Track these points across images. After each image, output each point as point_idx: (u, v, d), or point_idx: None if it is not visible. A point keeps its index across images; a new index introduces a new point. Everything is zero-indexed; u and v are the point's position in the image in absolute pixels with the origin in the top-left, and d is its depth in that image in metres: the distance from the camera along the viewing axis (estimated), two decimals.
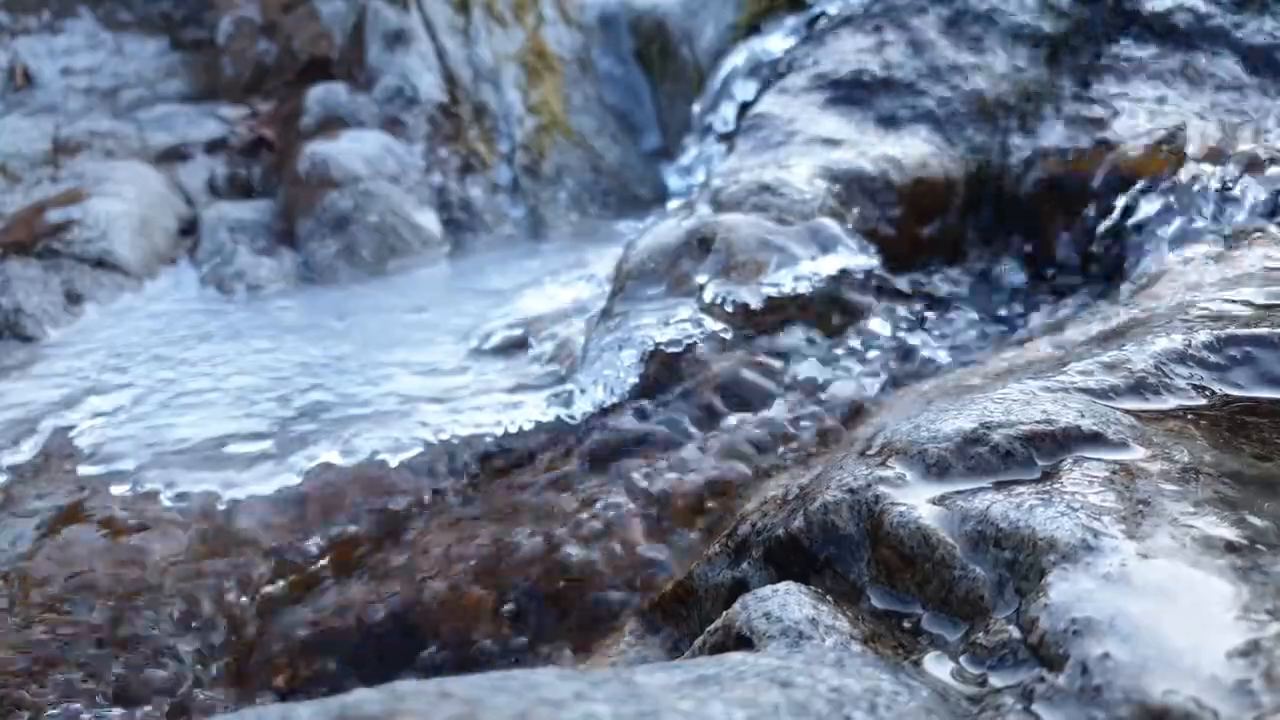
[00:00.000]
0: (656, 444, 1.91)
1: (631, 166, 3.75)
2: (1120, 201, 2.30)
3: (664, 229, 2.38)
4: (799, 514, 1.22)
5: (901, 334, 2.17)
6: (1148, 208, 2.25)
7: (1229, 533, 0.98)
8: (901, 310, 2.24)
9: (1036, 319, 2.22)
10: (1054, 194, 2.44)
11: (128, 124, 3.77)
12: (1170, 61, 2.59)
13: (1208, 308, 1.59)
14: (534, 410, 2.08)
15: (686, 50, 3.68)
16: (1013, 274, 2.41)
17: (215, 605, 1.66)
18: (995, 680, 0.91)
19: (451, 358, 2.45)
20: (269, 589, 1.70)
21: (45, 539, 1.79)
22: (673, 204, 3.18)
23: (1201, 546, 0.95)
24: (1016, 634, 0.93)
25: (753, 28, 3.44)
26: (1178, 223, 2.20)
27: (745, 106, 3.20)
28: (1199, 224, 2.17)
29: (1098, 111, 2.55)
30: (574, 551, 1.65)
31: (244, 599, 1.68)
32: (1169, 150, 2.33)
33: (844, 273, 2.24)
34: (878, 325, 2.18)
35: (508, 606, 1.59)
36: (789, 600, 1.04)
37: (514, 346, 2.45)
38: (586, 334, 2.27)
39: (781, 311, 2.15)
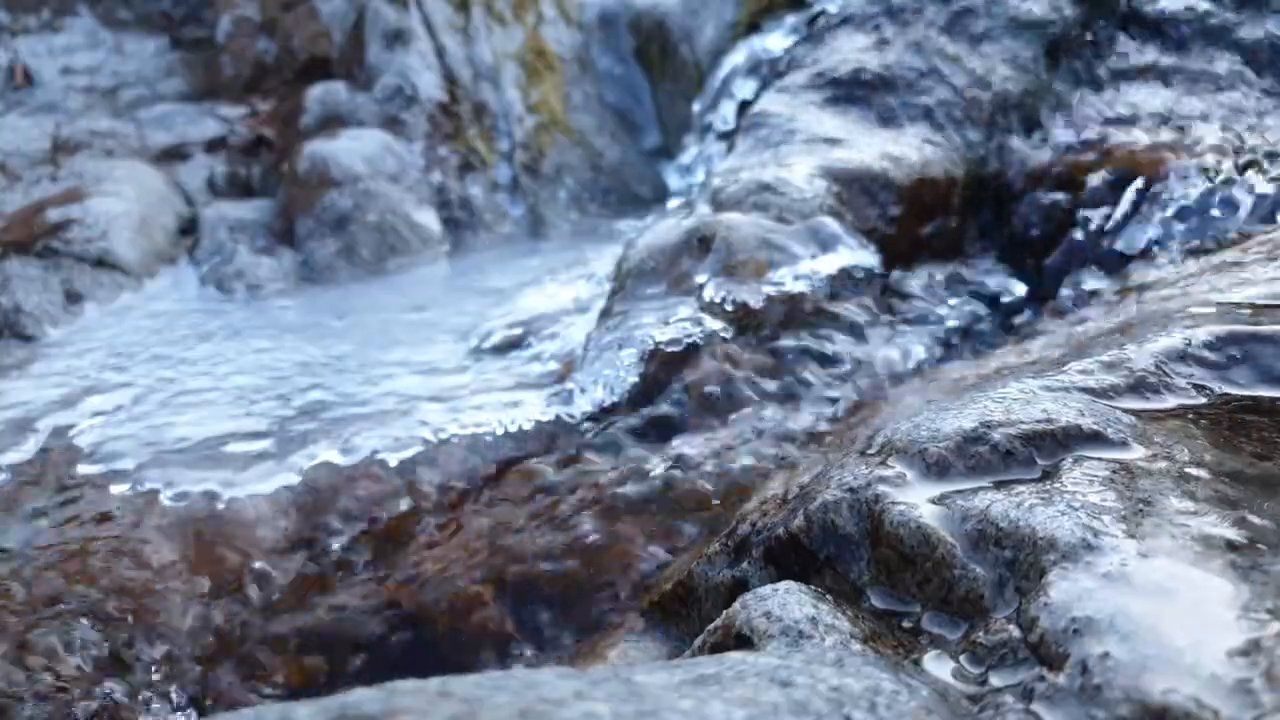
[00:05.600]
0: (656, 442, 1.91)
1: (631, 165, 3.75)
2: (1121, 200, 2.30)
3: (664, 228, 2.38)
4: (799, 513, 1.22)
5: (901, 333, 2.17)
6: (1148, 207, 2.25)
7: (1229, 532, 0.98)
8: (901, 309, 2.24)
9: (1038, 318, 2.22)
10: (1055, 193, 2.44)
11: (127, 123, 3.76)
12: (1171, 61, 2.59)
13: (1208, 306, 1.59)
14: (534, 409, 2.07)
15: (686, 49, 3.67)
16: (1013, 273, 2.41)
17: (214, 604, 1.66)
18: (995, 679, 0.91)
19: (451, 357, 2.45)
20: (267, 588, 1.70)
21: (44, 538, 1.79)
22: (673, 203, 3.18)
23: (1202, 545, 0.95)
24: (1016, 633, 0.93)
25: (753, 26, 3.44)
26: (1178, 222, 2.20)
27: (745, 105, 3.20)
28: (1199, 223, 2.17)
29: (1098, 111, 2.54)
30: (574, 550, 1.65)
31: (243, 598, 1.68)
32: (1170, 150, 2.33)
33: (844, 271, 2.24)
34: (877, 324, 2.18)
35: (507, 605, 1.59)
36: (789, 599, 1.04)
37: (514, 345, 2.45)
38: (586, 333, 2.26)
39: (781, 310, 2.15)
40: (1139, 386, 1.35)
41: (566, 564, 1.64)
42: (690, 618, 1.37)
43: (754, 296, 2.14)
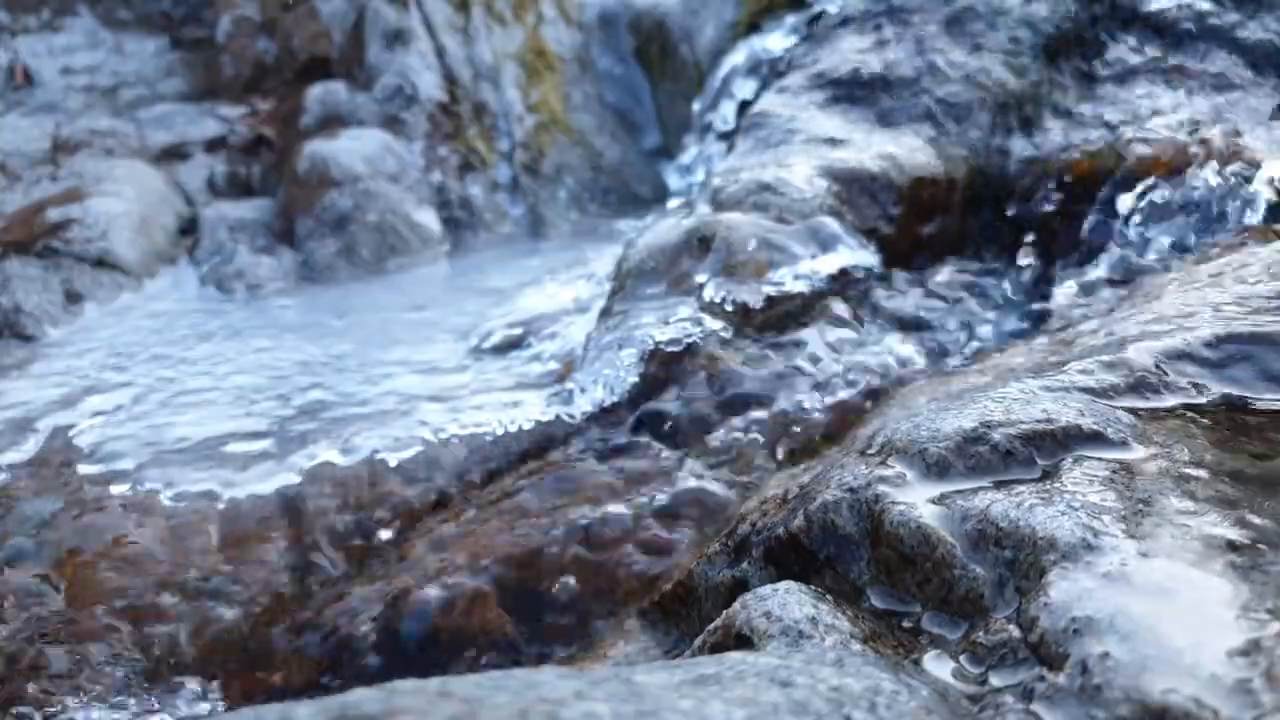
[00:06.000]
0: (656, 442, 1.91)
1: (631, 165, 3.75)
2: (1121, 201, 2.30)
3: (664, 228, 2.38)
4: (799, 513, 1.22)
5: (901, 333, 2.17)
6: (1149, 207, 2.25)
7: (1229, 532, 0.98)
8: (901, 309, 2.24)
9: (1039, 318, 2.22)
10: (1054, 193, 2.44)
11: (127, 123, 3.76)
12: (1171, 61, 2.59)
13: (1208, 306, 1.59)
14: (534, 409, 2.07)
15: (686, 49, 3.67)
16: (1013, 273, 2.41)
17: (214, 604, 1.66)
18: (995, 679, 0.91)
19: (451, 357, 2.45)
20: (267, 588, 1.70)
21: (44, 538, 1.79)
22: (673, 203, 3.18)
23: (1202, 545, 0.95)
24: (1016, 633, 0.93)
25: (753, 26, 3.44)
26: (1179, 222, 2.20)
27: (745, 105, 3.20)
28: (1199, 224, 2.17)
29: (1099, 111, 2.54)
30: (573, 550, 1.65)
31: (242, 598, 1.68)
32: (1170, 150, 2.33)
33: (844, 271, 2.24)
34: (877, 324, 2.17)
35: (508, 605, 1.59)
36: (789, 599, 1.04)
37: (514, 345, 2.45)
38: (586, 333, 2.26)
39: (781, 310, 2.15)
40: (1139, 386, 1.35)
41: (567, 563, 1.64)
42: (690, 618, 1.37)
43: (754, 296, 2.14)
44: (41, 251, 2.98)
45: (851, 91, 2.75)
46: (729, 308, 2.12)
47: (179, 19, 4.34)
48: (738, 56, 3.39)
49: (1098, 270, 2.27)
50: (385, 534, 1.82)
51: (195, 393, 2.33)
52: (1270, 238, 2.02)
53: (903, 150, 2.53)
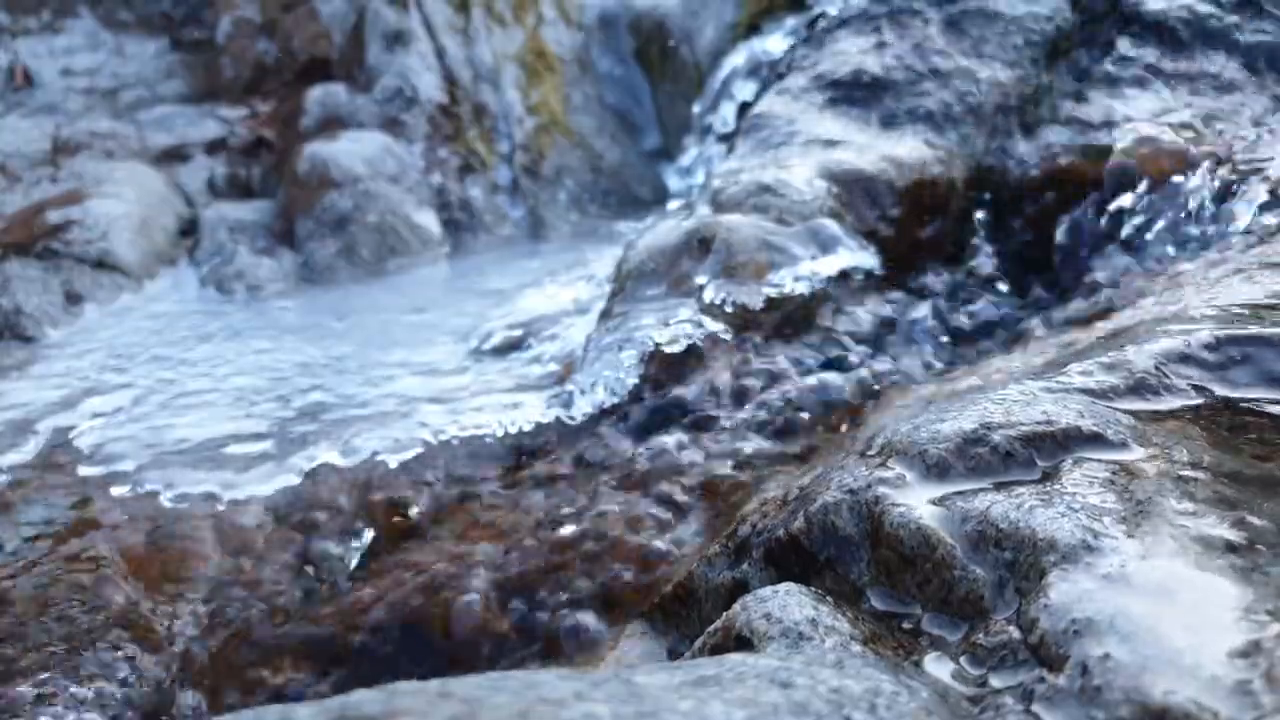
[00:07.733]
0: (656, 443, 1.91)
1: (631, 166, 3.75)
2: (1121, 203, 2.30)
3: (664, 229, 2.38)
4: (799, 515, 1.22)
5: (901, 335, 2.17)
6: (1148, 209, 2.25)
7: (1229, 533, 0.98)
8: (901, 311, 2.24)
9: (1038, 320, 2.22)
10: (1054, 195, 2.44)
11: (127, 124, 3.77)
12: (1170, 62, 2.59)
13: (1207, 308, 1.59)
14: (534, 411, 2.07)
15: (686, 50, 3.68)
16: (1013, 275, 2.41)
17: (214, 606, 1.66)
18: (995, 681, 0.91)
19: (451, 358, 2.45)
20: (268, 590, 1.70)
21: (44, 539, 1.79)
22: (673, 204, 3.18)
23: (1202, 547, 0.95)
24: (1017, 634, 0.93)
25: (753, 28, 3.44)
26: (1178, 224, 2.20)
27: (745, 107, 3.20)
28: (1199, 225, 2.17)
29: (1098, 113, 2.55)
30: (574, 551, 1.65)
31: (243, 599, 1.68)
32: (1169, 152, 2.33)
33: (844, 273, 2.24)
34: (877, 326, 2.17)
35: (507, 606, 1.59)
36: (789, 601, 1.04)
37: (514, 347, 2.45)
38: (586, 334, 2.26)
39: (781, 312, 2.15)
40: (1139, 388, 1.35)
41: (567, 565, 1.63)
42: (690, 619, 1.37)
43: (754, 298, 2.14)
44: (41, 253, 2.98)
45: (851, 93, 2.75)
46: (729, 309, 2.12)
47: (179, 20, 4.34)
48: (738, 58, 3.39)
49: (1098, 272, 2.27)
50: (385, 536, 1.82)
51: (195, 394, 2.33)
52: (1267, 238, 2.02)
53: (902, 152, 2.53)
